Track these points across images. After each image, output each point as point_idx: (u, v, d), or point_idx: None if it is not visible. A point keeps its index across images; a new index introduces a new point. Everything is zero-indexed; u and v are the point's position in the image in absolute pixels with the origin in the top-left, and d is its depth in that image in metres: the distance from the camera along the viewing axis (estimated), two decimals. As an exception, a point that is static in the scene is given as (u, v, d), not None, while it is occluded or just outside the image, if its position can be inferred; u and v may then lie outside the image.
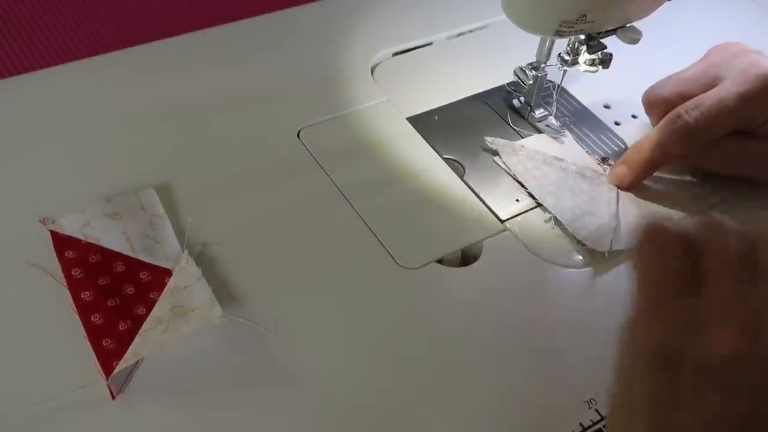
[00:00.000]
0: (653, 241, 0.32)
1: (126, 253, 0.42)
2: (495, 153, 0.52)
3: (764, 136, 0.48)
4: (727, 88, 0.46)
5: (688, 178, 0.52)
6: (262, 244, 0.44)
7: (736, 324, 0.29)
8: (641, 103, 0.52)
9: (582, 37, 0.49)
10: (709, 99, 0.47)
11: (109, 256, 0.42)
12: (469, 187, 0.49)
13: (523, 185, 0.49)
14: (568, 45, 0.51)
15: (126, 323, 0.39)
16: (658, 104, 0.50)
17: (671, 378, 0.29)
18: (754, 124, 0.47)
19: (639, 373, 0.30)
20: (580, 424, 0.38)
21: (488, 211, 0.48)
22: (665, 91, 0.50)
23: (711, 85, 0.48)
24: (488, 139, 0.52)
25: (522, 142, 0.52)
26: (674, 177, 0.51)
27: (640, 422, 0.29)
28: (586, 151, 0.53)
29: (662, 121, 0.48)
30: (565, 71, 0.53)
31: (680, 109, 0.47)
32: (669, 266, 0.31)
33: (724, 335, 0.29)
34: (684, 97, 0.49)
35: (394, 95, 0.55)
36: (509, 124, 0.55)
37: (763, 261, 0.30)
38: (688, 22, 0.66)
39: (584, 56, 0.50)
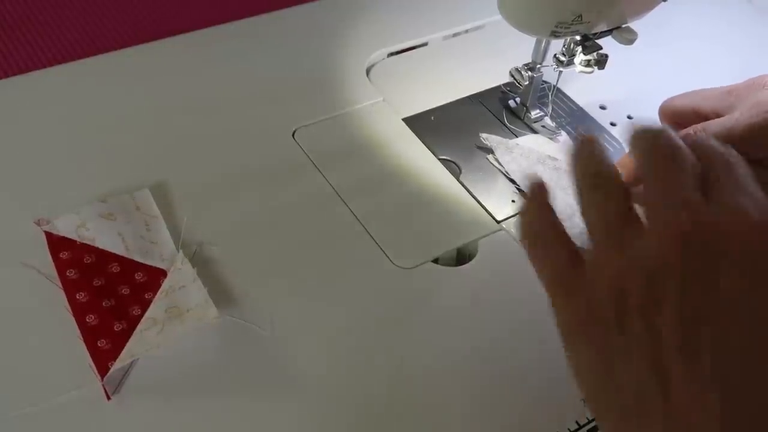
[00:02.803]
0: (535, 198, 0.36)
1: (121, 254, 0.42)
2: (489, 150, 0.52)
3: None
4: (736, 118, 0.46)
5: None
6: (258, 244, 0.44)
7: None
8: (658, 109, 0.52)
9: (577, 37, 0.49)
10: (716, 125, 0.47)
11: (104, 256, 0.42)
12: (465, 188, 0.49)
13: (515, 183, 0.50)
14: (564, 46, 0.51)
15: (121, 324, 0.39)
16: (668, 114, 0.51)
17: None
18: (757, 156, 0.47)
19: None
20: (576, 422, 0.38)
21: (484, 211, 0.48)
22: (678, 103, 0.51)
23: (725, 109, 0.48)
24: (483, 135, 0.52)
25: (517, 140, 0.53)
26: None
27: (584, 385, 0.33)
28: (582, 152, 0.53)
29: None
30: (560, 72, 0.53)
31: (690, 129, 0.48)
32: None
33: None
34: (695, 112, 0.49)
35: (390, 96, 0.55)
36: (505, 125, 0.55)
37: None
38: (684, 22, 0.66)
39: (580, 57, 0.50)
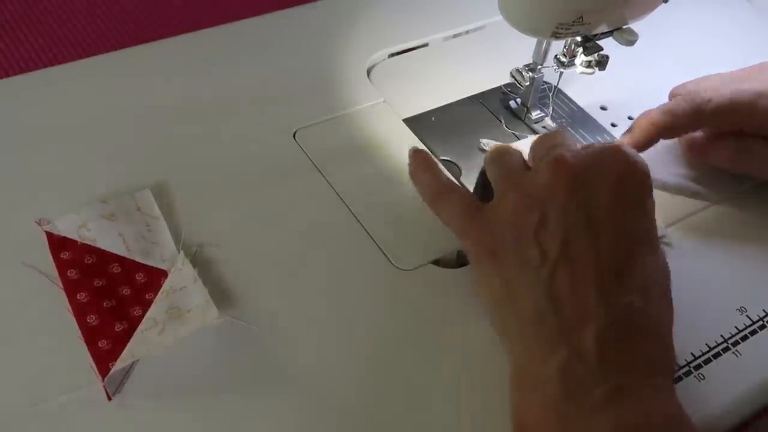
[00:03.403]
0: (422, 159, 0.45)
1: (122, 255, 0.42)
2: None
3: None
4: (745, 87, 0.48)
5: (683, 177, 0.52)
6: (258, 245, 0.44)
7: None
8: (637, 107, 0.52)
9: (578, 38, 0.49)
10: (726, 87, 0.48)
11: (104, 257, 0.42)
12: (466, 189, 0.49)
13: None
14: (565, 47, 0.51)
15: (122, 324, 0.39)
16: (680, 93, 0.51)
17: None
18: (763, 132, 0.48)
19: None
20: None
21: (484, 212, 0.48)
22: (690, 84, 0.51)
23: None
24: (483, 141, 0.52)
25: (517, 144, 0.52)
26: (670, 178, 0.51)
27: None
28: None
29: (678, 96, 0.49)
30: (561, 73, 0.53)
31: (696, 94, 0.48)
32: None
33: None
34: (707, 92, 0.49)
35: (391, 96, 0.55)
36: (505, 126, 0.55)
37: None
38: (684, 23, 0.66)
39: (580, 58, 0.50)
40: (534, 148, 0.42)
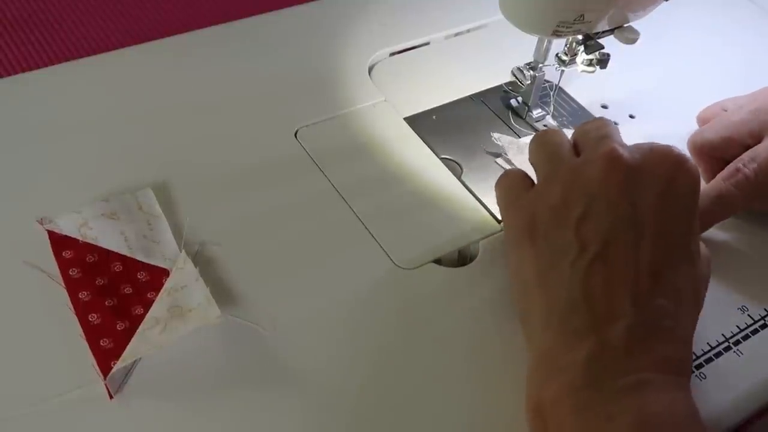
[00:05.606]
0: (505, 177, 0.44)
1: (123, 253, 0.42)
2: (497, 154, 0.52)
3: None
4: None
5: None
6: (260, 244, 0.44)
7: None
8: (688, 146, 0.51)
9: (579, 37, 0.49)
10: (765, 151, 0.47)
11: (106, 256, 0.42)
12: (467, 188, 0.49)
13: None
14: (566, 45, 0.51)
15: (124, 323, 0.39)
16: (705, 150, 0.50)
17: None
18: None
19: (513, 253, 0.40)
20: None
21: (485, 211, 0.48)
22: (712, 136, 0.50)
23: (759, 131, 0.48)
24: (494, 135, 0.52)
25: (526, 139, 0.52)
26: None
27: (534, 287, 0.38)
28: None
29: (719, 176, 0.47)
30: (562, 71, 0.53)
31: (738, 162, 0.47)
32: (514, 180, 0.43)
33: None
34: (731, 142, 0.49)
35: (392, 95, 0.55)
36: (507, 125, 0.55)
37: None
38: (686, 22, 0.66)
39: (582, 56, 0.50)
40: (579, 136, 0.42)
